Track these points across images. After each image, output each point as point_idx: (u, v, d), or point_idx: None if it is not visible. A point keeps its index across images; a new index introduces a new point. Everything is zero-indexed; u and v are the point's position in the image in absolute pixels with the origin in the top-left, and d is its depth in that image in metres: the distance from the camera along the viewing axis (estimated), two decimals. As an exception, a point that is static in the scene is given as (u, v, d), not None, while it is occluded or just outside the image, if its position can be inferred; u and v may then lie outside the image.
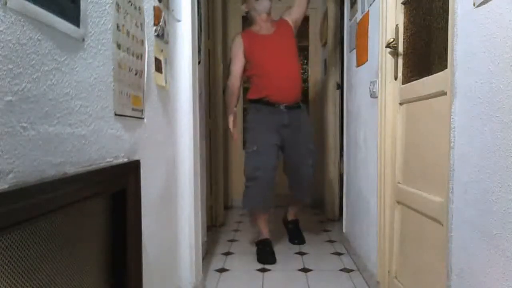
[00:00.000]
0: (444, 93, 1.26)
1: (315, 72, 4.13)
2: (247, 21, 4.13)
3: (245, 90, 3.72)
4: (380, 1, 1.83)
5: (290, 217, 2.91)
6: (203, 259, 2.16)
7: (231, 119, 2.64)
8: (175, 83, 1.71)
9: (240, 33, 2.71)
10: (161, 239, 1.53)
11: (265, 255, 2.48)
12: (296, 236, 2.85)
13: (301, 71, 2.65)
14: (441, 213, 1.26)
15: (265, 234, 2.61)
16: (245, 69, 2.61)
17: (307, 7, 2.69)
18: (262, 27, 2.58)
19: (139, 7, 1.25)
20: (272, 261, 2.44)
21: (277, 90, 2.46)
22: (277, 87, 2.46)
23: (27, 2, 0.68)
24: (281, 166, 2.68)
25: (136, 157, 1.22)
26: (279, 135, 2.51)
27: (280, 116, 2.49)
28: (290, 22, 2.63)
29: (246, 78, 2.64)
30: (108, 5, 1.02)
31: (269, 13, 2.59)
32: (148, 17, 1.36)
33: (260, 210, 2.58)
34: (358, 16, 2.35)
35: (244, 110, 4.12)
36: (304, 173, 2.61)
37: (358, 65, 2.34)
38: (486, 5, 0.98)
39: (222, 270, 2.33)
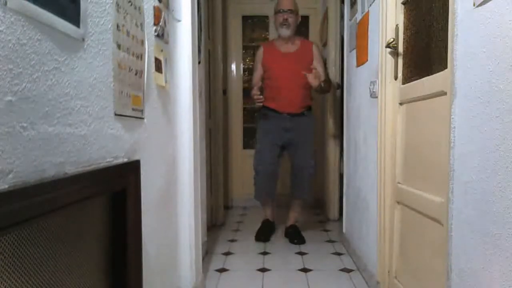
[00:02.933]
0: (444, 93, 1.26)
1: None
2: (247, 21, 4.17)
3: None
4: (380, 1, 1.83)
5: (289, 223, 3.00)
6: (203, 259, 2.16)
7: (255, 88, 2.79)
8: (175, 83, 1.71)
9: (263, 45, 3.02)
10: (161, 239, 1.53)
11: (260, 233, 2.88)
12: (295, 237, 2.87)
13: (308, 88, 2.86)
14: (441, 213, 1.26)
15: (268, 215, 3.00)
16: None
17: (321, 88, 2.78)
18: (282, 45, 2.88)
19: (139, 7, 1.25)
20: (264, 239, 2.82)
21: (284, 103, 2.77)
22: (284, 101, 2.77)
23: (27, 2, 0.68)
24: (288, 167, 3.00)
25: (136, 157, 1.22)
26: (281, 137, 2.81)
27: (283, 122, 2.79)
28: (313, 58, 2.84)
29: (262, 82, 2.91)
30: (108, 5, 1.02)
31: (290, 36, 2.84)
32: (148, 17, 1.36)
33: (263, 198, 2.94)
34: (358, 16, 2.35)
35: (244, 110, 4.14)
36: (305, 173, 2.84)
37: (358, 65, 2.34)
38: (486, 5, 0.98)
39: (222, 270, 2.33)
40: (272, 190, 2.89)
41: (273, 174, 2.83)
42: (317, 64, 2.82)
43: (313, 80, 2.64)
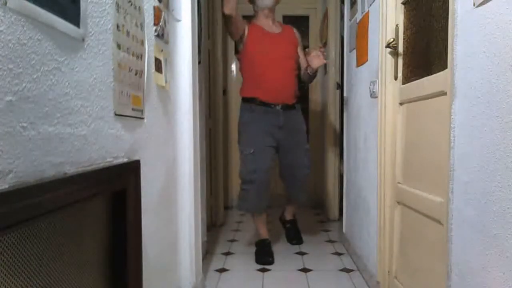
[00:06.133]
0: (444, 93, 1.26)
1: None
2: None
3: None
4: (380, 1, 1.83)
5: (288, 216, 2.90)
6: (203, 259, 2.16)
7: None
8: (175, 83, 1.71)
9: (246, 23, 2.55)
10: (161, 239, 1.53)
11: (263, 255, 2.47)
12: (294, 236, 2.85)
13: (296, 75, 2.59)
14: (441, 213, 1.26)
15: (264, 234, 2.61)
16: (240, 61, 2.57)
17: (305, 75, 2.57)
18: (264, 23, 2.52)
19: (139, 7, 1.25)
20: (270, 262, 2.43)
21: (271, 92, 2.43)
22: (271, 89, 2.42)
23: (27, 2, 0.68)
24: (276, 169, 2.68)
25: (136, 157, 1.22)
26: (274, 137, 2.47)
27: (275, 117, 2.45)
28: (298, 41, 2.61)
29: (241, 73, 2.59)
30: (108, 5, 1.02)
31: (271, 10, 2.53)
32: (148, 17, 1.36)
33: (256, 211, 2.57)
34: (358, 16, 2.35)
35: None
36: (300, 174, 2.61)
37: (358, 65, 2.34)
38: (486, 5, 0.98)
39: (222, 270, 2.33)
40: (267, 202, 2.53)
41: (268, 183, 2.47)
42: (300, 52, 2.59)
43: (319, 60, 2.36)
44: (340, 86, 3.34)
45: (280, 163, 2.63)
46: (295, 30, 2.65)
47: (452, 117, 1.15)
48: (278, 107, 2.45)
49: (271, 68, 2.41)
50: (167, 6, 1.57)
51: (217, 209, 3.38)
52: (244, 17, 2.52)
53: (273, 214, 3.14)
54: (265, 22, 2.52)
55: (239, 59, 2.61)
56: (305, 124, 2.66)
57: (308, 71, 2.48)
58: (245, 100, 2.50)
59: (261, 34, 2.49)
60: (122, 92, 1.11)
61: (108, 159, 1.03)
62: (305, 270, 2.33)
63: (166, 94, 1.58)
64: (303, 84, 2.70)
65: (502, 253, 0.91)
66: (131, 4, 1.18)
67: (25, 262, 0.70)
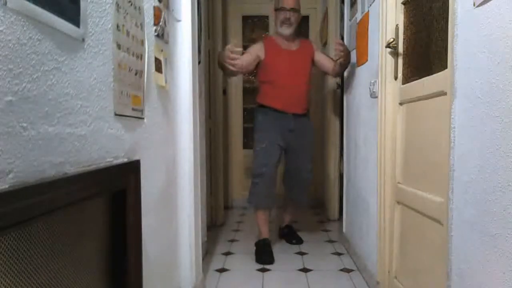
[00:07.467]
0: (444, 93, 1.26)
1: (315, 72, 4.13)
2: (247, 21, 4.17)
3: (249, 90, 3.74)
4: (380, 1, 1.83)
5: (285, 223, 2.98)
6: (203, 259, 2.16)
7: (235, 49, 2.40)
8: (175, 83, 1.71)
9: (263, 40, 2.74)
10: (161, 239, 1.53)
11: (263, 255, 2.50)
12: (293, 238, 2.88)
13: (308, 89, 2.75)
14: (441, 213, 1.26)
15: (265, 233, 2.65)
16: (257, 72, 2.74)
17: (333, 72, 2.73)
18: (283, 42, 2.68)
19: (139, 7, 1.25)
20: (270, 261, 2.45)
21: (288, 103, 2.62)
22: (284, 101, 2.61)
23: (27, 2, 0.68)
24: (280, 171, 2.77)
25: (136, 157, 1.22)
26: (284, 138, 2.63)
27: (286, 121, 2.62)
28: (314, 53, 2.74)
29: (258, 82, 2.78)
30: (108, 5, 1.02)
31: (291, 35, 2.67)
32: (148, 17, 1.36)
33: (265, 206, 2.64)
34: (358, 16, 2.35)
35: (244, 110, 4.14)
36: (304, 177, 2.73)
37: (358, 65, 2.34)
38: (486, 5, 0.98)
39: (222, 270, 2.33)
40: (274, 197, 2.66)
41: (275, 178, 2.61)
42: (319, 54, 2.74)
43: (346, 55, 2.48)
44: (340, 86, 3.33)
45: (286, 165, 2.77)
46: (312, 42, 2.88)
47: (452, 117, 1.15)
48: (290, 114, 2.63)
49: (285, 84, 2.60)
50: (167, 6, 1.57)
51: (217, 209, 3.38)
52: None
53: (273, 214, 3.15)
54: (284, 41, 2.67)
55: (256, 70, 2.74)
56: (313, 132, 2.79)
57: (339, 62, 2.59)
58: (261, 105, 2.68)
59: (278, 51, 2.65)
60: (122, 92, 1.11)
61: (108, 159, 1.03)
62: (305, 270, 2.33)
63: (166, 94, 1.58)
64: (337, 75, 2.88)
65: (502, 253, 0.91)
66: (131, 4, 1.18)
67: (25, 262, 0.70)
